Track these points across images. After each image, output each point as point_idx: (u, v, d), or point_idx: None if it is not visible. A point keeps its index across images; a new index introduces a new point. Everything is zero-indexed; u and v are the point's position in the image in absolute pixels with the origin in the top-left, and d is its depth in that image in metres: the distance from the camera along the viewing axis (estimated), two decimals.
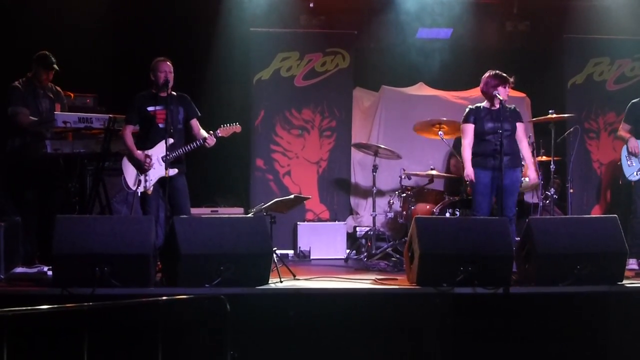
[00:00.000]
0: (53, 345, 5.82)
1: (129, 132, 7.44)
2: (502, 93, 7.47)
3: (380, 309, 6.42)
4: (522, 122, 7.76)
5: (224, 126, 7.53)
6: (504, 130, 7.38)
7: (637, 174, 8.13)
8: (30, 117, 7.67)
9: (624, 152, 8.25)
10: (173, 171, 7.32)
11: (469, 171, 7.58)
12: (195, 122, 7.60)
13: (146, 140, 7.43)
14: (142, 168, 7.34)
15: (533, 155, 8.29)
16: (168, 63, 7.41)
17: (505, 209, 7.31)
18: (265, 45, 9.98)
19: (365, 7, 10.38)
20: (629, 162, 8.19)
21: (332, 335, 6.22)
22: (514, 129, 7.59)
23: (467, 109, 7.71)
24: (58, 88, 8.05)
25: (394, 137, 9.92)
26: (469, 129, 7.63)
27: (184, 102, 7.54)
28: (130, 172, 7.40)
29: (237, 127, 7.61)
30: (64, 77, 8.11)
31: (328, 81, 10.07)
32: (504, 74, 7.54)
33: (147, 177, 7.34)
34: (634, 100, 8.33)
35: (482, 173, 7.50)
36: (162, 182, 7.29)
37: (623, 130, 8.34)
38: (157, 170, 7.33)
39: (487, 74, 7.60)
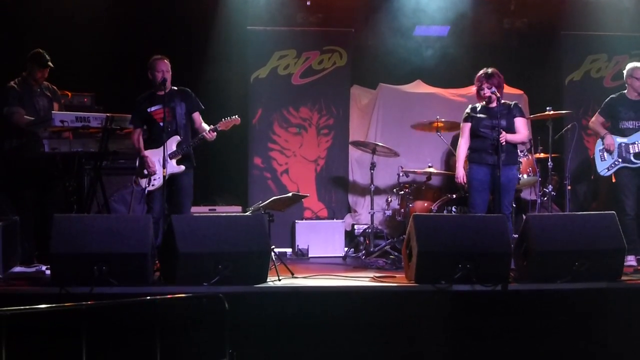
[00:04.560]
0: (51, 344, 5.81)
1: (137, 135, 7.53)
2: (487, 92, 7.52)
3: (379, 307, 6.42)
4: (523, 116, 7.74)
5: (224, 119, 7.57)
6: (499, 127, 7.37)
7: (608, 170, 8.11)
8: (26, 117, 7.67)
9: (598, 146, 8.22)
10: (179, 168, 7.42)
11: (459, 173, 7.67)
12: (197, 116, 7.66)
13: (152, 141, 7.51)
14: (149, 168, 7.39)
15: (528, 153, 8.35)
16: (165, 61, 7.44)
17: (501, 206, 7.32)
18: (262, 44, 9.96)
19: (362, 5, 10.35)
20: (601, 157, 8.16)
21: (331, 333, 6.21)
22: (511, 125, 7.57)
23: (467, 108, 7.77)
24: (54, 87, 8.04)
25: (392, 134, 9.91)
26: (465, 127, 7.70)
27: (185, 96, 7.59)
28: (141, 172, 7.48)
29: (236, 120, 7.64)
30: (61, 76, 8.13)
31: (325, 79, 10.05)
32: (483, 72, 7.58)
33: (157, 175, 7.39)
34: (612, 95, 8.34)
35: (478, 169, 7.54)
36: (169, 179, 7.33)
37: (598, 123, 8.30)
38: (167, 168, 7.33)
39: (478, 74, 7.65)
